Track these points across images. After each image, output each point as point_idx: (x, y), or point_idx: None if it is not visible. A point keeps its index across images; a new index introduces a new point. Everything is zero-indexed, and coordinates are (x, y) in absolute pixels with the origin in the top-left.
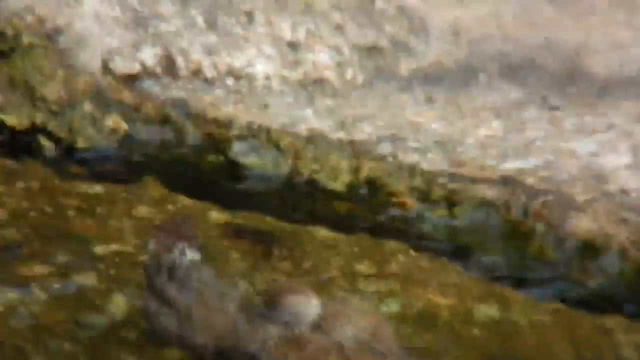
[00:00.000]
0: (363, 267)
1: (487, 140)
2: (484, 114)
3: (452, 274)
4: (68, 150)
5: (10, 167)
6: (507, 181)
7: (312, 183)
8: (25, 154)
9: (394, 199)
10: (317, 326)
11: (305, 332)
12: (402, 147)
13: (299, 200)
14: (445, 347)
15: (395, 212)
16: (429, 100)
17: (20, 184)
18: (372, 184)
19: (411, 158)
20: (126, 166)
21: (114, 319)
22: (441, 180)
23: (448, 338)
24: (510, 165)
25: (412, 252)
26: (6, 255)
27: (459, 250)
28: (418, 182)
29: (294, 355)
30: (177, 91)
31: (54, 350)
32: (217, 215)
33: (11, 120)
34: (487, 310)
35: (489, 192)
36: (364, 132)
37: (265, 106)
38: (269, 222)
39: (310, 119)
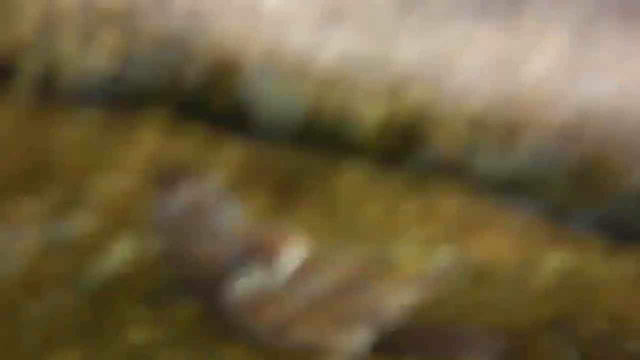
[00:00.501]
0: (407, 211)
1: (553, 62)
2: (550, 29)
3: (515, 217)
4: (48, 90)
5: None
6: (576, 110)
7: (338, 129)
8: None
9: (441, 133)
10: (293, 277)
11: (278, 286)
12: (450, 70)
13: (327, 136)
14: (508, 303)
15: (443, 147)
16: (483, 13)
17: None
18: (412, 129)
19: (460, 93)
20: (122, 101)
21: (119, 267)
22: (497, 110)
23: (511, 292)
24: (580, 92)
25: (465, 193)
26: None
27: (520, 188)
28: (470, 112)
29: (254, 314)
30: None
31: (52, 304)
32: (231, 152)
33: None
34: (559, 259)
35: (554, 123)
36: (404, 53)
37: (283, 35)
38: (293, 160)
39: (338, 38)
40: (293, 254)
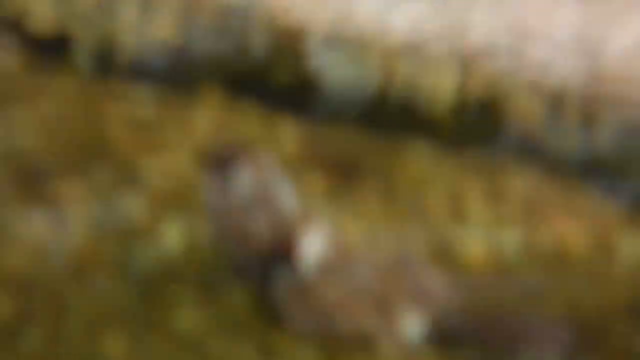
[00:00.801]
0: (474, 192)
1: (637, 38)
2: (635, 4)
3: (590, 200)
4: (106, 62)
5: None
6: None
7: (407, 105)
8: (54, 65)
9: (517, 110)
10: (328, 266)
11: (314, 277)
12: (526, 55)
13: (390, 127)
14: (579, 291)
15: (517, 125)
16: None
17: (52, 86)
18: (486, 106)
19: (537, 69)
20: (178, 84)
21: (169, 252)
22: (577, 87)
23: (583, 280)
24: None
25: (537, 174)
26: (35, 174)
27: (597, 170)
28: (548, 88)
29: (300, 303)
30: None
31: (99, 290)
32: (290, 134)
33: (36, 23)
34: (635, 245)
35: (637, 101)
36: (476, 37)
37: (350, 7)
38: (355, 139)
39: (406, 23)
40: (313, 244)
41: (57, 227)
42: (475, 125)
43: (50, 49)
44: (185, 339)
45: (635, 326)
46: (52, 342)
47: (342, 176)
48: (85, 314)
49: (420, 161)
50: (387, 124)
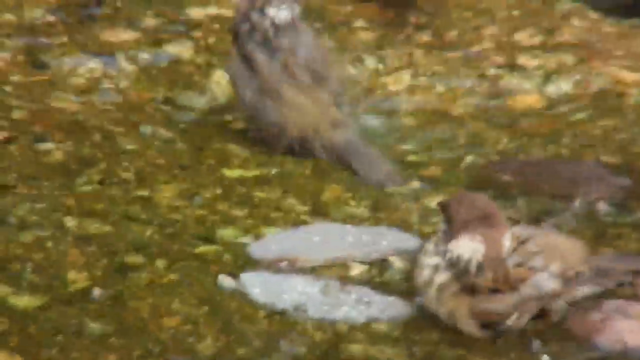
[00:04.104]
0: (525, 36)
1: None
2: None
3: None
4: None
5: None
6: None
7: None
8: None
9: None
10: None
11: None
12: None
13: None
14: (633, 134)
15: None
16: None
17: None
18: None
19: None
20: None
21: (216, 99)
22: None
23: (635, 124)
24: None
25: (591, 14)
26: (82, 16)
27: None
28: None
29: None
30: None
31: (146, 137)
32: None
33: None
34: None
35: None
36: None
37: None
38: None
39: None
40: None
41: (108, 69)
42: None
43: None
44: (231, 186)
45: None
46: (107, 185)
47: (390, 22)
48: (136, 159)
49: (470, 4)
50: None
